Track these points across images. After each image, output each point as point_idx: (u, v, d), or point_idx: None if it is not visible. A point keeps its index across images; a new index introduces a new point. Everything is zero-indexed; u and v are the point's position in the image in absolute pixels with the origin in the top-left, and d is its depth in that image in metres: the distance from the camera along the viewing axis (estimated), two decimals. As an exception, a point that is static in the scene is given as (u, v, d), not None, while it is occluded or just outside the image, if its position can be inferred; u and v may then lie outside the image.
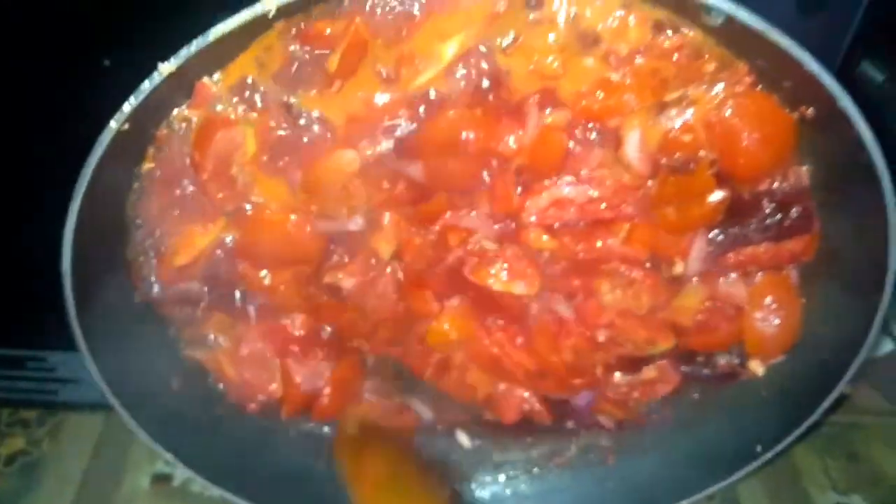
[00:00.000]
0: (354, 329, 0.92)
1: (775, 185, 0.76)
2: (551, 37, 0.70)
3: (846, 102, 0.67)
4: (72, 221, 0.73)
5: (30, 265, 0.87)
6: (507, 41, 0.71)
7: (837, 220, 0.77)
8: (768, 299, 0.83)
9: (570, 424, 1.00)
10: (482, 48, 0.71)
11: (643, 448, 1.00)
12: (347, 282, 0.86)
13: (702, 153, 0.74)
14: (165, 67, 0.67)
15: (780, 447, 0.87)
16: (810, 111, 0.71)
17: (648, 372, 0.92)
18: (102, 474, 1.06)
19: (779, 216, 0.76)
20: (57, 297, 0.77)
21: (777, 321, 0.84)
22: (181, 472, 1.06)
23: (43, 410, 1.12)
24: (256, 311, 0.90)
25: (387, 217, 0.82)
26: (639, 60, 0.70)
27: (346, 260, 0.86)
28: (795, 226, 0.76)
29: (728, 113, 0.71)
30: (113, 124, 0.69)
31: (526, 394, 0.97)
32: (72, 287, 0.77)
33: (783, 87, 0.71)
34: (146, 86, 0.68)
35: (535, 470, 1.05)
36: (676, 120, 0.73)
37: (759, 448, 0.88)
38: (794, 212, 0.75)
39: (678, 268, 0.81)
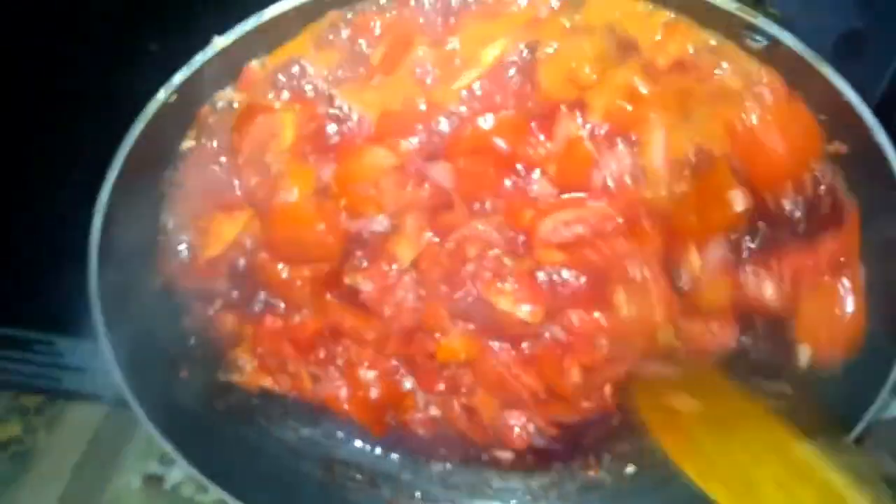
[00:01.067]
0: (362, 338, 0.91)
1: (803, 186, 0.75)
2: (588, 45, 0.72)
3: (881, 137, 0.67)
4: (107, 190, 0.74)
5: (51, 241, 0.88)
6: (545, 48, 0.73)
7: (866, 260, 0.76)
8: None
9: (576, 453, 0.99)
10: (521, 53, 0.73)
11: (645, 490, 0.98)
12: (366, 285, 0.87)
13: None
14: (220, 41, 0.68)
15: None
16: (844, 147, 0.72)
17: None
18: (94, 470, 1.05)
19: (808, 214, 0.75)
20: (75, 278, 0.77)
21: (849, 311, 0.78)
22: (173, 475, 1.04)
23: (43, 400, 1.11)
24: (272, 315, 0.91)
25: (409, 222, 0.83)
26: (673, 76, 0.72)
27: (366, 264, 0.86)
28: (826, 218, 0.75)
29: (754, 120, 0.72)
30: (161, 94, 0.70)
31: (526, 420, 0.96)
32: (97, 259, 0.77)
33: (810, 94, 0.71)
34: (199, 58, 0.69)
35: (533, 501, 1.03)
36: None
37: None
38: (823, 207, 0.75)
39: (695, 265, 0.80)
